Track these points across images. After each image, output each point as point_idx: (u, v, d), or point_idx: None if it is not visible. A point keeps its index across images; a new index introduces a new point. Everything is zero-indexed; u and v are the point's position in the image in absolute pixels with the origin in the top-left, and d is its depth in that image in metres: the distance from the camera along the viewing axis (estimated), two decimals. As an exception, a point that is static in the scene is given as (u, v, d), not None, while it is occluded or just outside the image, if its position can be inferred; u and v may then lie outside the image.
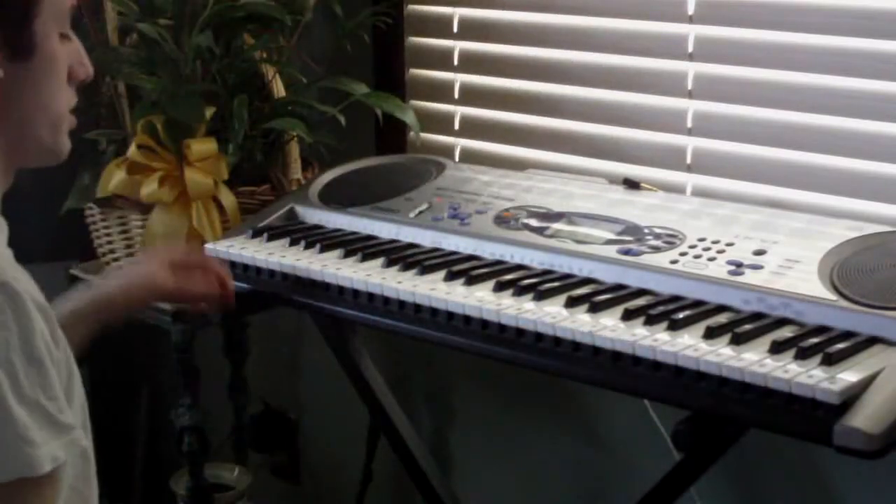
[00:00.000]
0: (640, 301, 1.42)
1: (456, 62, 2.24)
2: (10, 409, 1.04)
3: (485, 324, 1.43)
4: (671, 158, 1.96)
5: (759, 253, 1.48)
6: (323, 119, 2.05)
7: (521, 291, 1.47)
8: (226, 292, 1.66)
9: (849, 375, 1.20)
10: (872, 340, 1.29)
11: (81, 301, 1.54)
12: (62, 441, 1.09)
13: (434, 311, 1.48)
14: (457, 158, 2.24)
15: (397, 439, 1.95)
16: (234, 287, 1.67)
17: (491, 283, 1.50)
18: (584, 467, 2.20)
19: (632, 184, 1.76)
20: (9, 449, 1.05)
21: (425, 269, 1.56)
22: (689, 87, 1.92)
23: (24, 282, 1.10)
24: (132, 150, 1.95)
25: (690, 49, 1.91)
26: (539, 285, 1.47)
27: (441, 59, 2.25)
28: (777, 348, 1.26)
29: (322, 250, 1.67)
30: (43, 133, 1.20)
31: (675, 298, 1.44)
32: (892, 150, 1.73)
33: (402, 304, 1.52)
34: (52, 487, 1.10)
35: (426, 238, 1.69)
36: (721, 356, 1.26)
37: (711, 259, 1.48)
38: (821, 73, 1.78)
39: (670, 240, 1.55)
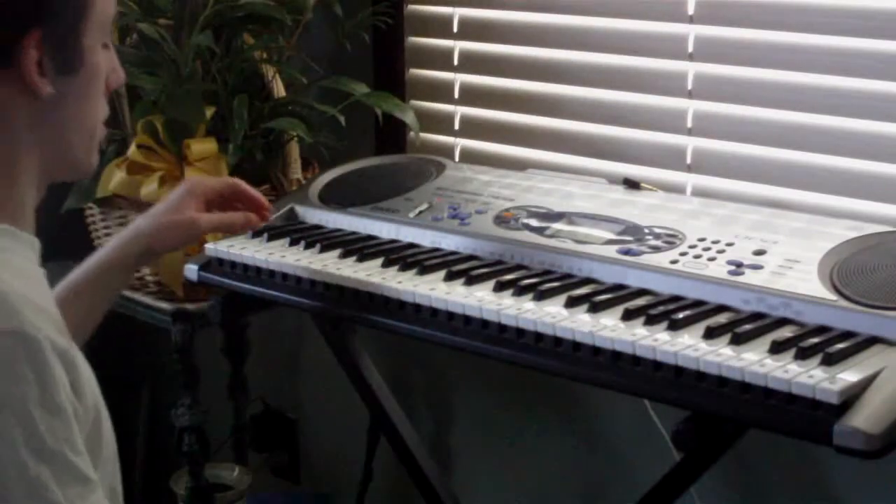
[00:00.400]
0: (640, 301, 1.42)
1: (456, 62, 2.24)
2: (26, 467, 0.97)
3: (485, 324, 1.43)
4: (671, 158, 1.96)
5: (759, 253, 1.48)
6: (323, 119, 2.05)
7: (521, 291, 1.47)
8: (263, 212, 1.67)
9: (849, 375, 1.20)
10: (872, 340, 1.29)
11: (118, 247, 1.53)
12: (91, 500, 1.01)
13: (434, 311, 1.48)
14: (457, 158, 2.24)
15: (397, 439, 1.95)
16: (269, 205, 1.69)
17: (491, 283, 1.50)
18: (584, 467, 2.20)
19: (632, 184, 1.76)
20: None
21: (425, 269, 1.56)
22: (689, 87, 1.92)
23: (45, 326, 1.04)
24: (132, 150, 1.95)
25: (690, 49, 1.91)
26: (539, 285, 1.47)
27: (441, 59, 2.25)
28: (777, 348, 1.26)
29: (322, 250, 1.67)
30: (79, 147, 1.17)
31: (675, 298, 1.44)
32: (892, 150, 1.73)
33: (402, 304, 1.51)
34: None
35: (426, 238, 1.69)
36: (721, 356, 1.26)
37: (711, 259, 1.48)
38: (821, 73, 1.78)
39: (670, 240, 1.55)
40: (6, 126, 1.11)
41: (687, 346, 1.28)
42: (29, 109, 1.11)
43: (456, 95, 2.25)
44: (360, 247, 1.66)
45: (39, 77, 1.10)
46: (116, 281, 1.55)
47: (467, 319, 1.45)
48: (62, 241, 1.57)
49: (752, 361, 1.24)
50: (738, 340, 1.29)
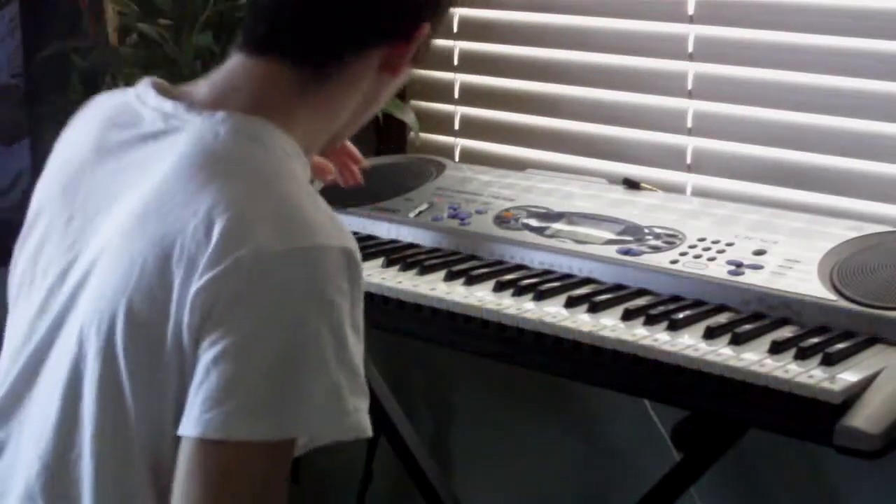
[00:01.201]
0: (640, 301, 1.43)
1: (456, 62, 2.23)
2: (331, 373, 1.03)
3: (485, 324, 1.43)
4: (671, 158, 1.96)
5: (759, 253, 1.48)
6: (323, 119, 2.05)
7: (521, 291, 1.47)
8: (353, 174, 1.65)
9: (849, 375, 1.20)
10: (872, 340, 1.29)
11: None
12: (367, 417, 1.09)
13: (434, 312, 1.48)
14: (457, 158, 2.24)
15: (397, 439, 1.95)
16: (365, 166, 1.65)
17: (491, 283, 1.50)
18: (584, 467, 2.20)
19: (632, 184, 1.76)
20: (330, 412, 1.06)
21: (425, 269, 1.56)
22: (689, 87, 1.92)
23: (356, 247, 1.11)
24: (132, 150, 1.95)
25: (690, 49, 1.91)
26: (539, 285, 1.47)
27: (441, 60, 2.25)
28: (777, 348, 1.26)
29: (322, 250, 1.66)
30: (359, 126, 1.22)
31: (675, 298, 1.44)
32: (892, 150, 1.73)
33: (402, 304, 1.52)
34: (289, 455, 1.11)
35: (426, 238, 1.69)
36: (721, 356, 1.26)
37: (711, 259, 1.48)
38: (821, 73, 1.78)
39: (670, 240, 1.55)
40: (352, 89, 1.15)
41: (687, 346, 1.28)
42: (372, 83, 1.16)
43: (456, 95, 2.25)
44: (360, 247, 1.65)
45: (408, 62, 1.16)
46: None
47: (467, 319, 1.45)
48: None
49: (752, 361, 1.24)
50: (738, 340, 1.29)
